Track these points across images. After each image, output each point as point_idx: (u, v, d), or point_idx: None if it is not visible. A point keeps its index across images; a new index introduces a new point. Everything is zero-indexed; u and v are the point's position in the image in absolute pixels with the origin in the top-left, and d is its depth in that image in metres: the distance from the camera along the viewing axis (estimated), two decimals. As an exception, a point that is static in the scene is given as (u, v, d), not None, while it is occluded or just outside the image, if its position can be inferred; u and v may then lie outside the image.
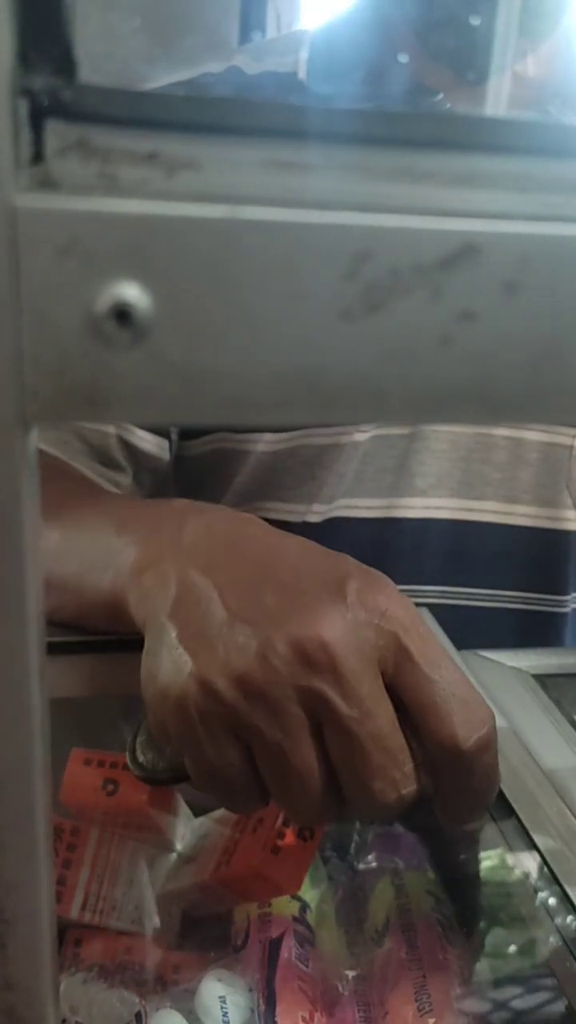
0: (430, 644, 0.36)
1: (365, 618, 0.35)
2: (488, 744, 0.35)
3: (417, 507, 0.74)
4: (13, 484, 0.16)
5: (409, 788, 0.34)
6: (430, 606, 0.62)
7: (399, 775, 0.34)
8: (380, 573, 0.38)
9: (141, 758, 0.44)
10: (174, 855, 0.51)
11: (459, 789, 0.36)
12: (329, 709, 0.33)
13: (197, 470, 0.77)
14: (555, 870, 0.43)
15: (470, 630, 0.74)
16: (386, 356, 0.15)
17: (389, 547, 0.74)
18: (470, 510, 0.74)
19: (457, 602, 0.76)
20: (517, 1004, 0.43)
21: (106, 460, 0.69)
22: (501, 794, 0.46)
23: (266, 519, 0.77)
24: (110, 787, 0.47)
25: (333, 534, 0.74)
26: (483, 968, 0.45)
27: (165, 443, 0.73)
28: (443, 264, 0.14)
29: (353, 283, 0.14)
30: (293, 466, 0.72)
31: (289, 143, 0.15)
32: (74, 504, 0.54)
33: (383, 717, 0.34)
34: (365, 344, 0.15)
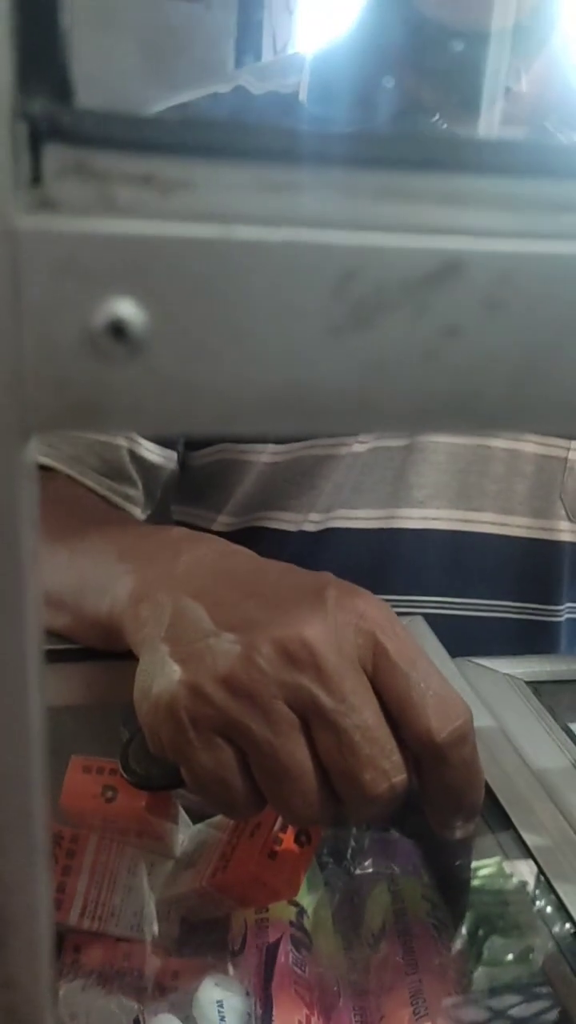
0: (406, 643, 0.37)
1: (344, 619, 0.36)
2: (463, 736, 0.36)
3: (415, 518, 0.74)
4: (13, 492, 0.16)
5: (399, 777, 0.35)
6: (428, 615, 0.63)
7: (388, 764, 0.35)
8: (357, 586, 0.39)
9: (135, 766, 0.44)
10: (172, 861, 0.51)
11: (440, 785, 0.37)
12: (315, 705, 0.34)
13: (200, 480, 0.78)
14: (550, 876, 0.43)
15: (467, 639, 0.75)
16: (373, 369, 0.15)
17: (388, 557, 0.75)
18: (467, 521, 0.75)
19: (455, 612, 0.77)
20: (513, 1011, 0.44)
21: (117, 474, 0.71)
22: (495, 800, 0.46)
23: (265, 527, 0.78)
24: (109, 794, 0.47)
25: (330, 543, 0.74)
26: (479, 974, 0.45)
27: (172, 455, 0.75)
28: (428, 281, 0.15)
29: (341, 299, 0.15)
30: (293, 476, 0.73)
31: (280, 165, 0.16)
32: (81, 525, 0.55)
33: (368, 709, 0.35)
34: (352, 358, 0.15)
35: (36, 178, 0.15)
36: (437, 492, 0.74)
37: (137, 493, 0.72)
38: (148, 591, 0.43)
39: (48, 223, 0.15)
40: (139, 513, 0.72)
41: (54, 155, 0.16)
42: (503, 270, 0.16)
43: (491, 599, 0.77)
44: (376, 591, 0.38)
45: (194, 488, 0.79)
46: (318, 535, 0.74)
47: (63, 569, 0.52)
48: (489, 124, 0.60)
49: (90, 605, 0.49)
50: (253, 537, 0.75)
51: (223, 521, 0.77)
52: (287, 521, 0.75)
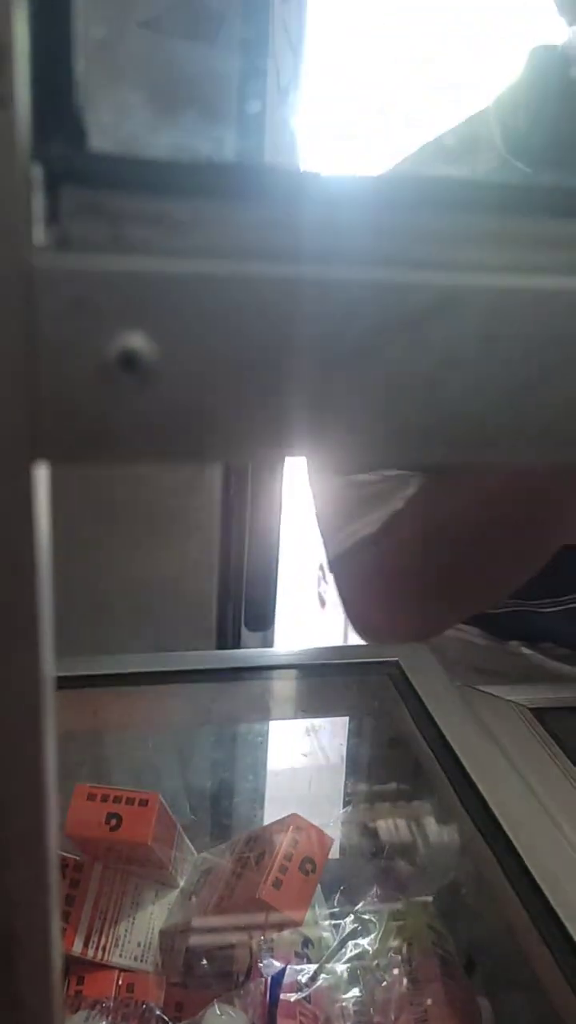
0: None
1: None
2: None
3: None
4: (25, 519, 0.17)
5: None
6: None
7: None
8: None
9: None
10: (177, 890, 0.51)
11: None
12: None
13: None
14: (554, 904, 0.43)
15: None
16: (372, 401, 0.16)
17: None
18: None
19: None
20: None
21: None
22: (500, 828, 0.46)
23: None
24: (113, 822, 0.48)
25: None
26: (485, 1004, 0.45)
27: None
28: (425, 315, 0.15)
29: (343, 333, 0.16)
30: None
31: (283, 204, 0.17)
32: None
33: None
34: (353, 389, 0.16)
35: (52, 218, 0.16)
36: None
37: None
38: None
39: (63, 261, 0.16)
40: None
41: (69, 196, 0.16)
42: (496, 304, 0.16)
43: None
44: None
45: None
46: None
47: None
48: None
49: None
50: None
51: None
52: None
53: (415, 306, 0.15)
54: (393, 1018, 0.43)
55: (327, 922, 0.49)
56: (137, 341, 0.16)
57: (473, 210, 0.16)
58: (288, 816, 0.47)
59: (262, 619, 1.30)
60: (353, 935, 0.48)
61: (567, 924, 0.41)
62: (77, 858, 0.50)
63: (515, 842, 0.46)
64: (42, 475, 0.17)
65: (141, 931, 0.50)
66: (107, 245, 0.16)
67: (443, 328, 0.15)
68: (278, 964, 0.45)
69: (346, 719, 0.64)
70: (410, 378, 0.16)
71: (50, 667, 0.19)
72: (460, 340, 0.16)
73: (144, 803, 0.48)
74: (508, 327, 0.16)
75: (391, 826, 0.57)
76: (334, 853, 0.48)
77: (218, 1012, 0.41)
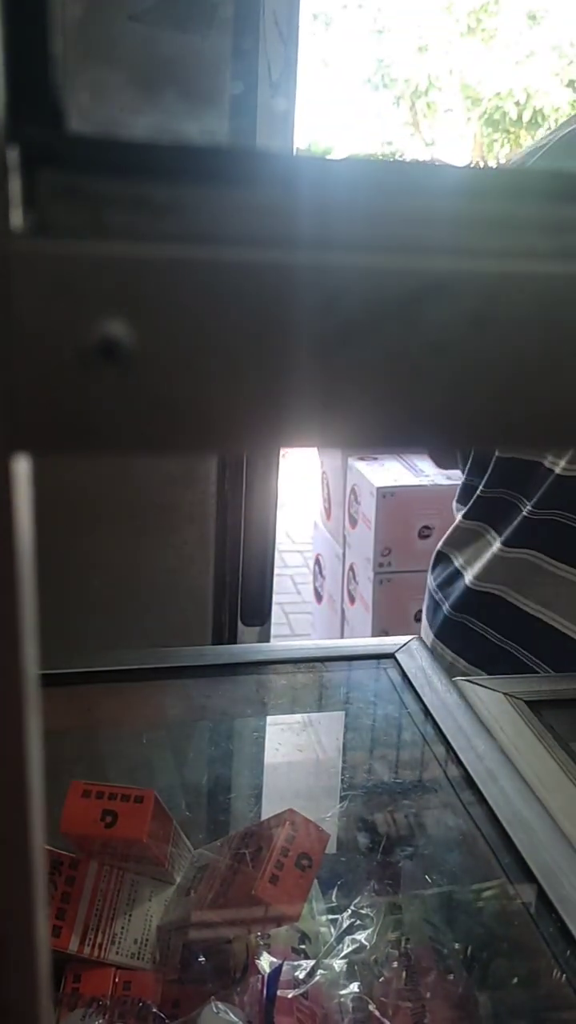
0: None
1: None
2: None
3: None
4: (4, 514, 0.16)
5: None
6: None
7: None
8: None
9: None
10: (173, 887, 0.51)
11: None
12: None
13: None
14: (552, 898, 0.43)
15: None
16: (360, 387, 0.15)
17: None
18: None
19: None
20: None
21: None
22: (497, 821, 0.46)
23: None
24: (108, 819, 0.47)
25: None
26: (483, 998, 0.45)
27: None
28: (414, 300, 0.15)
29: (328, 319, 0.15)
30: None
31: (269, 188, 0.16)
32: None
33: None
34: (340, 376, 0.15)
35: (29, 201, 0.16)
36: None
37: None
38: None
39: (41, 246, 0.15)
40: None
41: (47, 179, 0.16)
42: (488, 289, 0.16)
43: None
44: None
45: None
46: None
47: None
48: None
49: None
50: None
51: None
52: None
53: (403, 291, 0.15)
54: (391, 1013, 0.42)
55: (324, 917, 0.49)
56: (118, 328, 0.15)
57: (463, 195, 0.16)
58: (284, 811, 0.47)
59: (258, 613, 1.30)
60: (350, 930, 0.48)
61: (565, 917, 0.41)
62: (73, 855, 0.50)
63: (512, 834, 0.46)
64: (22, 467, 0.16)
65: (137, 928, 0.50)
66: (87, 230, 0.16)
67: (433, 314, 0.15)
68: (275, 960, 0.45)
69: (342, 714, 0.64)
70: (396, 364, 0.15)
71: (34, 666, 0.19)
72: (451, 326, 0.15)
73: (139, 800, 0.47)
74: (500, 312, 0.15)
75: (388, 820, 0.57)
76: (331, 848, 0.48)
77: (215, 1009, 0.41)
